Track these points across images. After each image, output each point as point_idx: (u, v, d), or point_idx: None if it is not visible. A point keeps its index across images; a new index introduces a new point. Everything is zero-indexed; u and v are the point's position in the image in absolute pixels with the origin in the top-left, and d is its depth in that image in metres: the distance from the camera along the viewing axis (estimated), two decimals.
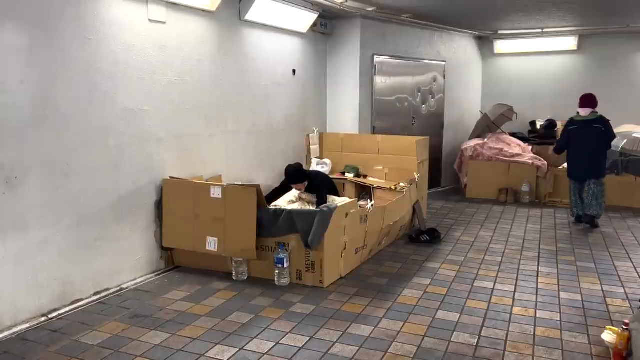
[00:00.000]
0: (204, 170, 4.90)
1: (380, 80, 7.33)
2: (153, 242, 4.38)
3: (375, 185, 6.23)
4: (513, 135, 8.79)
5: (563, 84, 9.09)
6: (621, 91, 8.51)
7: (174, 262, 4.55)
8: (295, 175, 5.00)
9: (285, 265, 4.06)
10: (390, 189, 6.10)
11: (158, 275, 4.36)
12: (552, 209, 7.23)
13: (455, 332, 3.36)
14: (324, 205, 4.09)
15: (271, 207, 4.13)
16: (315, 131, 6.72)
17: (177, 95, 4.53)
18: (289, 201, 5.29)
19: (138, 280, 4.18)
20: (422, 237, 5.43)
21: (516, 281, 4.33)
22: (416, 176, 5.93)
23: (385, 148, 6.51)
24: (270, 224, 4.10)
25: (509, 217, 6.74)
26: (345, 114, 7.07)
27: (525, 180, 7.69)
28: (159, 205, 4.38)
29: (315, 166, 6.59)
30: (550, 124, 8.90)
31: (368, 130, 7.29)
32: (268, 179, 5.84)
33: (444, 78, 8.44)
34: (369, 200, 4.75)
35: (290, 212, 4.05)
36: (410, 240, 5.46)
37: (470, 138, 8.75)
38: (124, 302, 3.76)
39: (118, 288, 4.01)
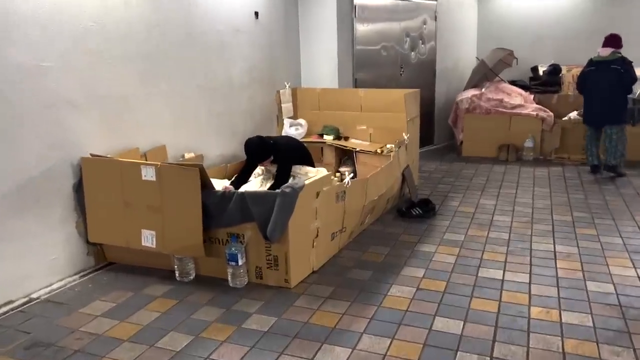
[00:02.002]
0: (142, 140, 3.94)
1: (362, 26, 6.28)
2: (75, 236, 3.47)
3: (358, 149, 5.31)
4: (513, 83, 7.85)
5: (569, 24, 8.09)
6: (638, 32, 7.50)
7: (105, 257, 3.66)
8: (257, 152, 4.08)
9: (240, 263, 3.18)
10: (376, 152, 5.19)
11: (84, 276, 3.47)
12: (560, 167, 6.37)
13: (459, 353, 2.53)
14: (286, 185, 3.16)
15: (219, 190, 3.20)
16: (287, 86, 5.72)
17: (96, 46, 3.51)
18: (262, 176, 4.38)
19: (55, 286, 3.29)
20: (414, 211, 4.55)
21: (530, 267, 3.49)
22: (405, 137, 5.00)
23: (369, 104, 5.55)
24: (219, 212, 3.19)
25: (513, 179, 5.87)
26: (321, 65, 6.05)
27: (529, 135, 6.80)
28: (78, 189, 3.44)
29: (288, 128, 5.63)
30: (554, 69, 7.95)
31: (349, 83, 6.30)
32: (229, 147, 4.89)
33: (435, 21, 7.38)
34: (347, 173, 3.82)
35: (243, 195, 3.13)
36: (400, 214, 4.59)
37: (466, 88, 7.79)
38: (26, 323, 2.88)
39: (26, 299, 3.13)
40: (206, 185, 3.19)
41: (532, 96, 7.45)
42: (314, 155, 5.39)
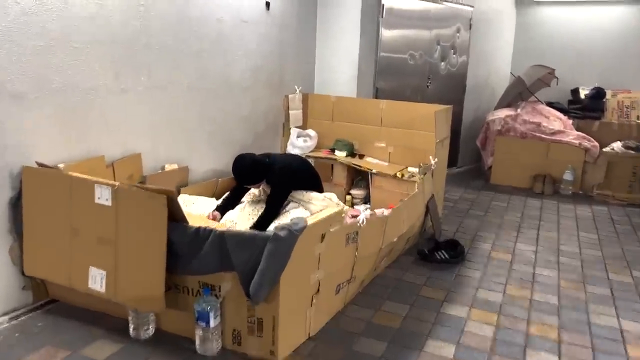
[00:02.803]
0: (110, 147, 3.16)
1: (388, 30, 5.48)
2: (8, 265, 2.70)
3: (374, 170, 4.51)
4: (550, 105, 6.99)
5: (618, 42, 7.24)
6: None
7: (47, 293, 2.88)
8: (245, 174, 3.32)
9: (212, 324, 2.39)
10: (395, 176, 4.39)
11: (15, 318, 2.69)
12: (605, 207, 5.52)
13: None
14: (281, 225, 2.35)
15: (192, 226, 2.40)
16: (298, 91, 4.93)
17: (53, 25, 2.74)
18: (249, 200, 3.60)
19: None
20: (439, 255, 3.74)
21: (593, 353, 2.67)
22: (432, 162, 4.19)
23: (390, 118, 4.76)
24: (190, 253, 2.39)
25: (552, 217, 5.03)
26: (339, 69, 5.25)
27: (568, 166, 5.95)
28: (16, 206, 2.67)
29: (294, 139, 4.84)
30: (598, 93, 7.07)
31: (369, 93, 5.50)
32: (222, 159, 4.10)
33: (470, 29, 6.56)
34: (362, 209, 3.00)
35: (222, 235, 2.33)
36: (421, 257, 3.77)
37: (498, 107, 6.96)
38: None
39: None
40: (176, 217, 2.40)
41: (570, 121, 6.61)
42: (322, 173, 4.60)
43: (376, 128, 4.82)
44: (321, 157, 4.78)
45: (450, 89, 6.49)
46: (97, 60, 3.00)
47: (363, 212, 2.90)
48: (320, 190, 3.77)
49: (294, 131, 4.88)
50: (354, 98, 5.16)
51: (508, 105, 6.83)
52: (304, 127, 5.03)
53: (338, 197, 4.71)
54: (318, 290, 2.61)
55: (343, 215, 2.72)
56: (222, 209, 3.41)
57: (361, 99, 5.15)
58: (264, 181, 3.39)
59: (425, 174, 4.08)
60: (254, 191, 3.65)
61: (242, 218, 3.37)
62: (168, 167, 3.57)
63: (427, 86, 6.15)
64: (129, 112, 3.25)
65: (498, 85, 7.41)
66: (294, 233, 2.32)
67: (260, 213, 3.37)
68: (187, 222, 2.42)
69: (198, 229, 2.37)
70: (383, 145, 4.82)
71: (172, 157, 3.63)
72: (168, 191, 2.33)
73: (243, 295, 2.34)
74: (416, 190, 3.75)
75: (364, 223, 2.88)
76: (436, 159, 4.22)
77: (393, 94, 5.61)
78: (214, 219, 3.31)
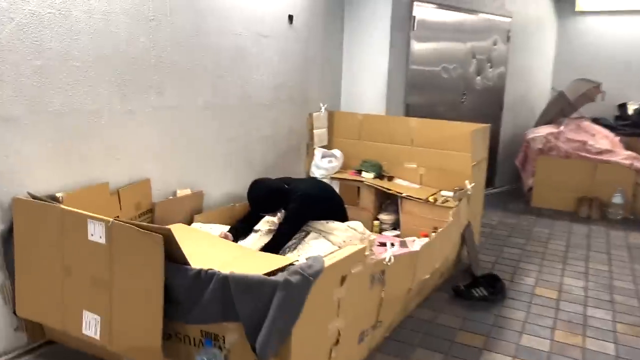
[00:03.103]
0: (116, 172, 2.92)
1: (419, 43, 5.15)
2: None
3: (404, 194, 4.17)
4: (595, 121, 6.52)
5: None
6: None
7: (44, 334, 2.63)
8: (264, 201, 3.07)
9: None
10: (427, 200, 4.04)
11: None
12: None
13: None
14: (294, 269, 2.04)
15: (192, 268, 2.11)
16: (322, 108, 4.64)
17: (51, 42, 2.52)
18: (267, 229, 3.31)
19: None
20: (476, 292, 3.36)
21: None
22: (468, 186, 3.82)
23: (422, 137, 4.41)
24: (190, 299, 2.10)
25: (601, 246, 4.58)
26: (367, 85, 4.95)
27: (618, 188, 5.47)
28: (8, 240, 2.44)
29: (319, 160, 4.54)
30: None
31: (399, 110, 5.17)
32: (240, 182, 3.82)
33: (508, 41, 6.18)
34: (388, 245, 2.64)
35: (226, 279, 2.03)
36: (457, 294, 3.40)
37: (538, 124, 6.52)
38: None
39: None
40: (176, 258, 2.12)
41: (618, 139, 6.12)
42: (348, 196, 4.31)
43: (406, 148, 4.48)
44: (347, 179, 4.47)
45: (486, 104, 6.10)
46: (100, 79, 2.77)
47: (390, 248, 2.56)
48: (345, 219, 3.45)
49: (318, 151, 4.58)
50: (382, 116, 4.84)
51: (549, 122, 6.38)
52: (329, 147, 4.73)
53: (365, 223, 4.39)
54: (337, 341, 2.28)
55: (367, 253, 2.39)
56: (235, 233, 3.14)
57: (390, 117, 4.83)
58: (281, 210, 3.10)
59: (461, 199, 3.71)
60: (271, 219, 3.37)
61: (256, 245, 3.08)
62: (180, 193, 3.31)
63: (462, 102, 5.78)
64: (137, 134, 3.01)
65: (538, 101, 6.97)
66: (308, 279, 2.00)
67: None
68: (187, 263, 2.13)
69: (199, 271, 2.08)
70: (414, 166, 4.48)
71: (185, 182, 3.38)
72: (165, 230, 2.05)
73: (250, 349, 2.03)
74: (451, 218, 3.39)
75: (392, 261, 2.54)
76: (472, 184, 3.85)
77: (425, 110, 5.26)
78: (226, 238, 3.05)
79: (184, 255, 2.12)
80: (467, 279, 3.51)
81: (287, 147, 4.33)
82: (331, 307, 2.22)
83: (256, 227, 3.32)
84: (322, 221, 3.25)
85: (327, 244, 3.12)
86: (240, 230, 3.18)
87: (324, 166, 4.53)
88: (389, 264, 2.54)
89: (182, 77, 3.24)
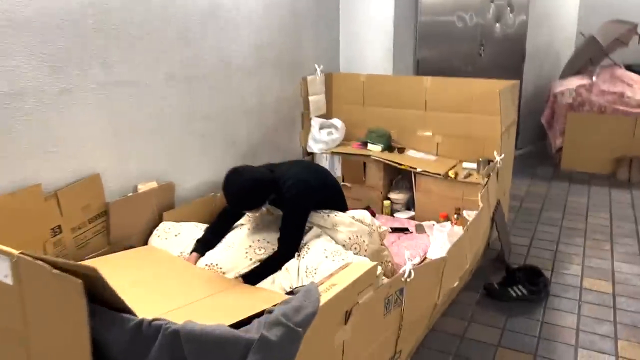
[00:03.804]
0: (53, 170, 2.28)
1: None
2: None
3: (418, 169, 3.52)
4: (629, 69, 5.74)
5: None
6: None
7: None
8: (246, 195, 2.38)
9: None
10: (446, 175, 3.40)
11: None
12: None
13: None
14: (275, 316, 1.41)
15: (131, 318, 1.49)
16: (318, 71, 3.94)
17: None
18: (250, 228, 2.68)
19: None
20: (514, 291, 2.74)
21: None
22: (497, 158, 3.16)
23: (438, 99, 3.72)
24: (131, 358, 1.49)
25: None
26: (370, 41, 4.20)
27: None
28: None
29: (316, 133, 3.87)
30: None
31: (409, 68, 4.45)
32: (222, 166, 3.14)
33: None
34: (407, 256, 1.99)
35: (176, 334, 1.40)
36: (489, 294, 2.78)
37: (565, 75, 5.77)
38: None
39: None
40: (111, 302, 1.49)
41: None
42: (352, 173, 3.69)
43: (419, 113, 3.79)
44: (350, 154, 3.80)
45: (506, 55, 5.34)
46: (19, 51, 2.09)
47: (408, 259, 1.93)
48: (345, 207, 2.82)
49: (315, 122, 3.90)
50: (389, 76, 4.12)
51: (578, 73, 5.63)
52: (327, 116, 4.05)
53: (374, 204, 3.77)
54: None
55: (375, 272, 1.76)
56: (204, 246, 2.50)
57: (399, 77, 4.11)
58: (265, 205, 2.46)
59: (489, 176, 3.05)
60: (253, 215, 2.73)
61: (234, 258, 2.44)
62: (142, 187, 2.67)
63: (480, 54, 5.03)
64: (77, 119, 2.35)
65: (564, 49, 6.19)
66: (295, 331, 1.38)
67: (266, 250, 2.45)
68: (127, 310, 1.50)
69: (140, 323, 1.45)
70: (429, 134, 3.80)
71: (150, 173, 2.73)
72: (88, 270, 1.41)
73: None
74: (480, 204, 2.73)
75: (412, 276, 1.91)
76: (502, 155, 3.18)
77: (439, 66, 4.55)
78: (189, 261, 2.44)
79: (120, 300, 1.49)
80: (499, 270, 2.89)
81: (277, 119, 3.65)
82: (333, 355, 1.60)
83: (238, 223, 2.68)
84: (321, 213, 2.62)
85: (330, 244, 2.49)
86: (212, 241, 2.53)
87: (322, 139, 3.86)
88: (408, 280, 1.91)
89: (136, 44, 2.55)
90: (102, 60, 2.40)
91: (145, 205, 2.67)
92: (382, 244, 2.70)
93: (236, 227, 2.64)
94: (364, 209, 3.61)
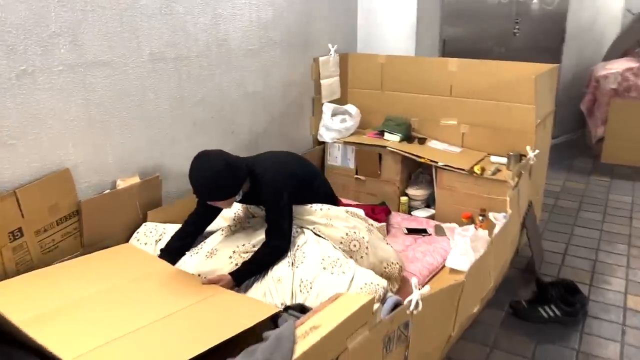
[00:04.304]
0: (14, 166, 1.99)
1: None
2: None
3: (440, 163, 3.13)
4: None
5: None
6: None
7: None
8: (214, 180, 2.02)
9: None
10: (472, 172, 3.01)
11: None
12: None
13: None
14: None
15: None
16: (332, 51, 3.55)
17: None
18: (231, 228, 2.36)
19: None
20: (545, 311, 2.36)
21: None
22: (531, 154, 2.75)
23: (465, 84, 3.31)
24: None
25: None
26: (390, 18, 3.79)
27: None
28: None
29: (328, 120, 3.51)
30: None
31: (434, 48, 4.02)
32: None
33: None
34: (413, 283, 1.64)
35: None
36: (516, 313, 2.41)
37: (609, 57, 5.23)
38: None
39: None
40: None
41: None
42: (366, 166, 3.35)
43: (444, 99, 3.39)
44: (365, 144, 3.43)
45: (544, 35, 4.84)
46: None
47: (416, 288, 1.58)
48: (335, 202, 2.50)
49: (327, 108, 3.53)
50: (411, 57, 3.71)
51: (624, 55, 5.09)
52: (341, 101, 3.67)
53: (390, 200, 3.41)
54: None
55: (375, 299, 1.42)
56: (170, 256, 2.18)
57: (422, 58, 3.69)
58: (236, 197, 2.12)
59: (521, 175, 2.65)
60: (230, 213, 2.40)
61: (218, 267, 2.12)
62: (122, 183, 2.37)
63: (514, 33, 4.56)
64: (41, 105, 2.04)
65: (609, 28, 5.61)
66: None
67: (249, 254, 2.14)
68: (36, 347, 1.20)
69: None
70: (453, 123, 3.40)
71: (131, 166, 2.43)
72: None
73: None
74: (509, 210, 2.34)
75: (419, 308, 1.56)
76: (536, 151, 2.77)
77: (467, 47, 4.11)
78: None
79: (27, 337, 1.18)
80: (529, 283, 2.51)
81: (284, 105, 3.29)
82: None
83: (217, 228, 2.36)
84: (313, 207, 2.29)
85: (328, 250, 2.16)
86: (181, 250, 2.22)
87: (335, 127, 3.50)
88: (415, 312, 1.56)
89: (113, 19, 2.22)
90: (70, 38, 2.08)
91: (126, 203, 2.37)
92: (386, 241, 2.35)
93: (216, 232, 2.32)
94: (379, 205, 3.28)
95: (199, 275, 2.07)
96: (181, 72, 2.57)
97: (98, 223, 2.26)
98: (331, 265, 2.09)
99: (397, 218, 3.19)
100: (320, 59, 3.47)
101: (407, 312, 1.54)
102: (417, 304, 1.54)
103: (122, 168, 2.38)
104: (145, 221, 2.44)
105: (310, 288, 2.01)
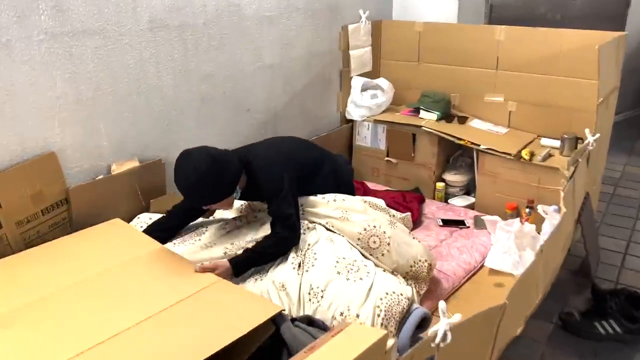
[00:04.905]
0: None
1: None
2: None
3: (482, 146, 2.77)
4: None
5: None
6: None
7: None
8: (202, 181, 1.74)
9: None
10: (519, 156, 2.64)
11: None
12: None
13: None
14: None
15: None
16: (363, 18, 3.18)
17: None
18: (239, 211, 2.09)
19: None
20: (602, 327, 2.00)
21: None
22: (590, 138, 2.34)
23: (514, 55, 2.91)
24: None
25: None
26: None
27: None
28: None
29: (357, 96, 3.17)
30: None
31: (479, 13, 3.59)
32: (228, 141, 2.57)
33: None
34: (442, 308, 1.33)
35: None
36: (566, 327, 2.06)
37: None
38: None
39: None
40: None
41: None
42: (398, 147, 3.04)
43: (489, 73, 3.00)
44: (398, 123, 3.08)
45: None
46: None
47: (444, 315, 1.26)
48: (352, 191, 2.20)
49: (356, 82, 3.18)
50: (453, 24, 3.30)
51: None
52: (373, 74, 3.31)
53: (424, 186, 3.06)
54: None
55: (388, 336, 1.12)
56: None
57: (465, 26, 3.27)
58: (232, 197, 1.85)
59: (578, 162, 2.26)
60: (236, 204, 2.12)
61: (212, 254, 1.87)
62: (118, 167, 2.12)
63: None
64: (19, 80, 1.80)
65: None
66: None
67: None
68: None
69: None
70: (499, 100, 3.01)
71: (128, 149, 2.17)
72: None
73: None
74: (562, 208, 1.96)
75: (447, 340, 1.24)
76: (597, 135, 2.36)
77: (517, 12, 3.65)
78: None
79: None
80: (583, 289, 2.15)
81: (308, 79, 2.97)
82: None
83: (220, 218, 2.10)
84: (325, 198, 2.00)
85: (343, 250, 1.86)
86: (165, 231, 1.97)
87: (365, 103, 3.15)
88: (442, 344, 1.24)
89: None
90: (52, 3, 1.81)
91: (123, 190, 2.13)
92: (412, 236, 2.03)
93: (217, 224, 2.04)
94: (411, 191, 2.94)
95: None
96: (187, 42, 2.28)
97: (90, 212, 2.02)
98: (347, 269, 1.79)
99: (431, 207, 2.85)
100: (350, 26, 3.11)
101: (432, 345, 1.23)
102: (444, 335, 1.23)
103: (118, 151, 2.13)
104: (148, 210, 2.19)
105: (322, 297, 1.72)
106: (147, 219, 2.09)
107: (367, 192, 2.70)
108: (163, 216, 2.04)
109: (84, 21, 1.91)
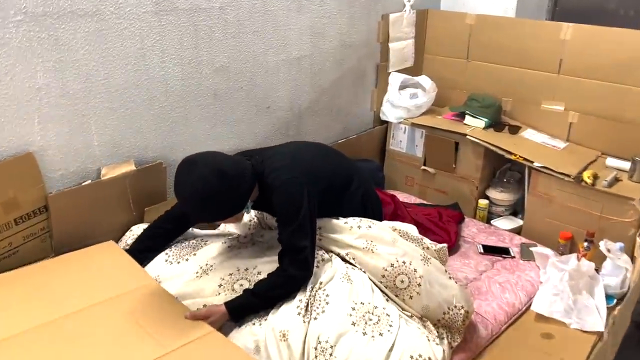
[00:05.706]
0: None
1: None
2: None
3: (536, 163, 2.38)
4: None
5: None
6: None
7: None
8: (206, 198, 1.43)
9: None
10: (580, 179, 2.26)
11: None
12: None
13: None
14: None
15: None
16: (408, 6, 2.80)
17: None
18: (247, 228, 1.79)
19: None
20: None
21: None
22: None
23: (580, 58, 2.50)
24: None
25: None
26: None
27: None
28: None
29: (394, 94, 2.80)
30: None
31: (541, 8, 3.15)
32: (245, 142, 2.26)
33: None
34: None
35: None
36: None
37: None
38: None
39: None
40: None
41: None
42: (437, 156, 2.69)
43: (549, 77, 2.60)
44: (439, 128, 2.70)
45: None
46: None
47: None
48: (380, 217, 1.86)
49: (395, 78, 2.81)
50: (510, 18, 2.89)
51: None
52: (414, 71, 2.94)
53: (464, 202, 2.70)
54: None
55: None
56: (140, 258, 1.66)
57: (524, 20, 2.84)
58: (248, 207, 1.55)
59: None
60: (229, 227, 1.82)
61: (203, 285, 1.58)
62: (108, 172, 1.83)
63: None
64: None
65: None
66: None
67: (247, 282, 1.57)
68: None
69: None
70: (559, 109, 2.61)
71: (123, 150, 1.89)
72: None
73: None
74: (637, 257, 1.57)
75: None
76: None
77: (586, 8, 3.20)
78: None
79: None
80: None
81: (340, 74, 2.62)
82: None
83: (225, 232, 1.81)
84: (346, 222, 1.68)
85: (361, 294, 1.54)
86: (145, 254, 1.69)
87: (402, 104, 2.79)
88: None
89: None
90: None
91: (114, 197, 1.85)
92: (449, 275, 1.68)
93: (217, 239, 1.75)
94: (449, 207, 2.59)
95: (177, 298, 1.53)
96: (198, 28, 1.96)
97: (74, 222, 1.76)
98: (364, 319, 1.47)
99: (471, 228, 2.50)
100: (391, 15, 2.74)
101: None
102: None
103: (111, 153, 1.85)
104: (142, 221, 1.92)
105: (331, 354, 1.40)
106: (136, 234, 1.81)
107: (397, 207, 2.35)
108: (157, 219, 1.76)
109: (72, 1, 1.61)
